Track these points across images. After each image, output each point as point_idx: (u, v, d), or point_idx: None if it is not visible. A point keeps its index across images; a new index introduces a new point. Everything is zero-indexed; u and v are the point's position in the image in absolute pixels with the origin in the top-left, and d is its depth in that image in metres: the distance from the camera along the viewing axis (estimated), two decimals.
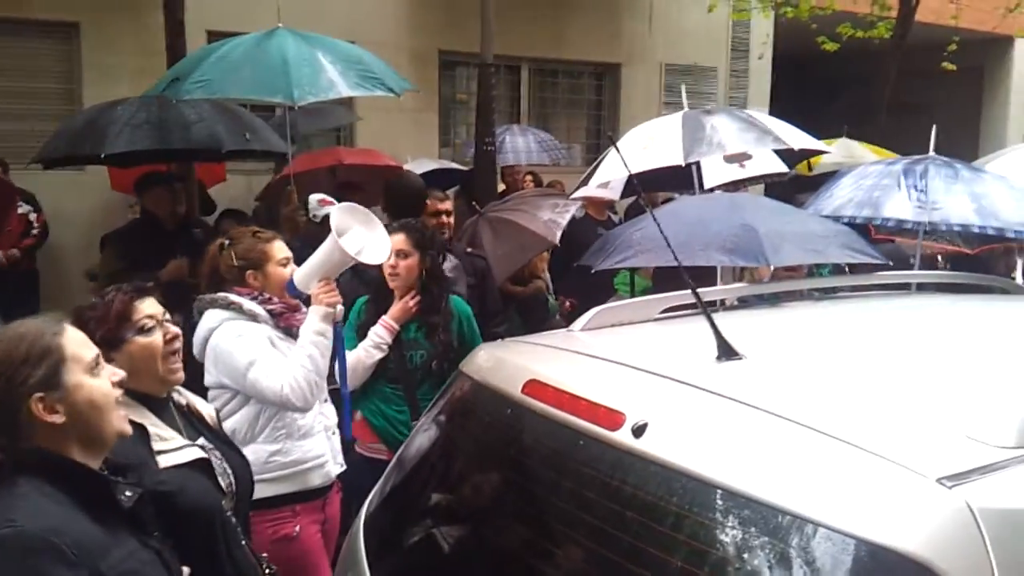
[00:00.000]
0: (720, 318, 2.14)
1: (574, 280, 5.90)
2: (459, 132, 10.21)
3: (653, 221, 3.93)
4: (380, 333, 3.62)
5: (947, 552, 1.32)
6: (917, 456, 1.46)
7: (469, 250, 5.18)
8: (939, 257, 5.84)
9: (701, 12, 10.18)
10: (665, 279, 4.32)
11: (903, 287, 3.32)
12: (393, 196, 4.82)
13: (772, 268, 4.29)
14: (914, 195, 4.21)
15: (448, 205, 5.09)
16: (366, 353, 3.60)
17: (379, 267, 3.62)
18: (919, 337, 2.39)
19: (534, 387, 1.96)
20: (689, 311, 2.54)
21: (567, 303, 6.08)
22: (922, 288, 3.39)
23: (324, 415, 3.13)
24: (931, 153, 4.72)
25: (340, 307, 3.02)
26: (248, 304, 3.00)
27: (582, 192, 5.29)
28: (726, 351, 1.98)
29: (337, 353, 3.12)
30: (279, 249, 3.13)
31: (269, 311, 3.03)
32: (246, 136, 5.40)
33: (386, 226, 3.89)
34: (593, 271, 4.29)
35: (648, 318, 2.60)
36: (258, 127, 5.86)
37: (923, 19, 9.60)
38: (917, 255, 4.71)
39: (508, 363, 2.21)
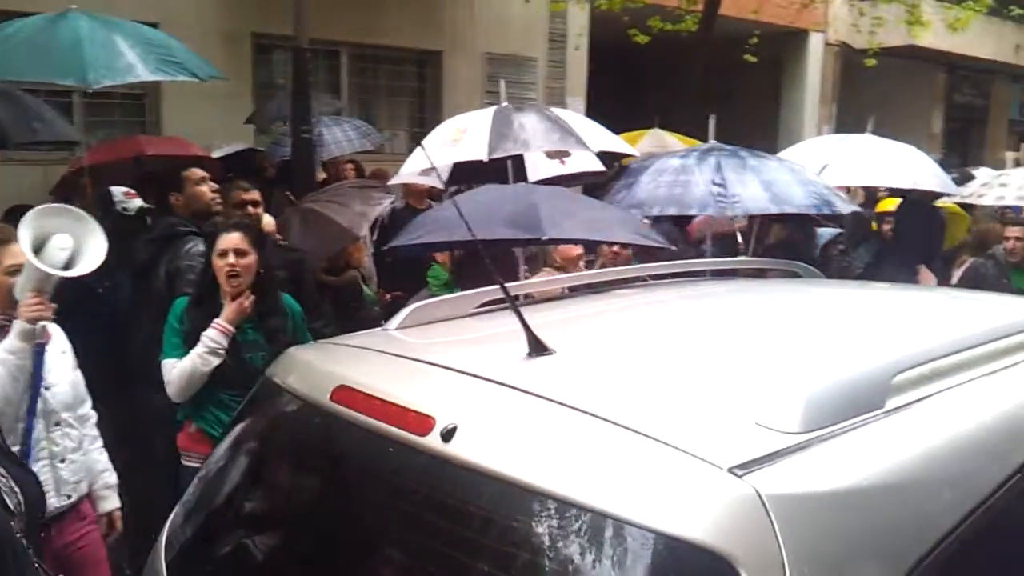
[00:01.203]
0: (532, 312, 2.15)
1: (399, 272, 5.87)
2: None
3: (449, 206, 3.99)
4: (214, 337, 3.42)
5: (739, 540, 1.38)
6: (709, 446, 1.52)
7: (282, 243, 5.06)
8: (738, 234, 6.11)
9: (520, 2, 10.30)
10: (468, 272, 4.41)
11: (701, 274, 3.46)
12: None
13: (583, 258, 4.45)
14: (715, 189, 4.41)
15: (254, 195, 4.91)
16: (201, 360, 3.40)
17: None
18: (716, 325, 2.50)
19: (343, 393, 1.91)
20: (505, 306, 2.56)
21: (387, 295, 6.03)
22: (720, 274, 3.55)
23: (52, 441, 2.91)
24: (711, 142, 4.97)
25: (42, 325, 2.77)
26: None
27: (401, 179, 5.30)
28: (536, 347, 2.00)
29: (34, 377, 2.85)
30: (9, 255, 2.84)
31: None
32: (34, 126, 4.99)
33: (219, 225, 3.70)
34: (385, 247, 4.36)
35: (464, 313, 2.59)
36: (47, 115, 5.44)
37: (727, 12, 10.10)
38: (708, 239, 4.96)
39: (316, 368, 2.14)
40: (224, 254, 3.47)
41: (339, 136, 8.07)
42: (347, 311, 5.43)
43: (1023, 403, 1.86)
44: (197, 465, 3.27)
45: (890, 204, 6.86)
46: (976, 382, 1.89)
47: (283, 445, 2.16)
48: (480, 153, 4.56)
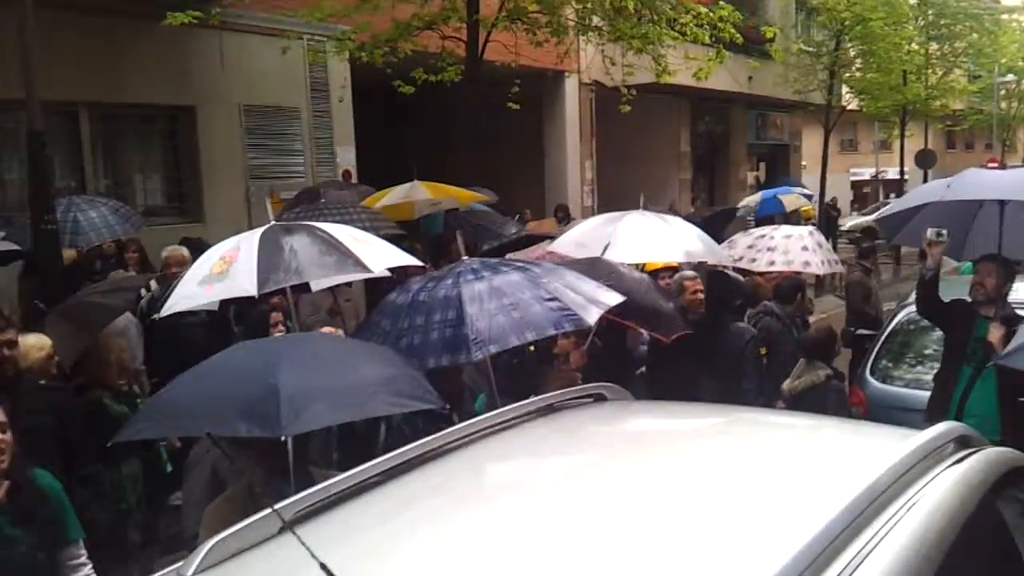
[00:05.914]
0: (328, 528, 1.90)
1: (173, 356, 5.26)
2: (10, 195, 8.73)
3: (186, 383, 3.38)
4: None
5: None
6: None
7: (43, 382, 4.41)
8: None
9: (275, 54, 9.83)
10: None
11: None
12: None
13: None
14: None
15: (11, 335, 4.19)
16: None
17: None
18: (526, 522, 2.20)
19: None
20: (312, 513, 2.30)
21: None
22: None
23: None
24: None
25: None
26: None
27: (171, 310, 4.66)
28: None
29: None
30: None
31: None
32: None
33: None
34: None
35: (268, 536, 2.29)
36: None
37: (489, 57, 10.16)
38: None
39: None
40: None
41: (96, 222, 7.34)
42: (96, 437, 4.72)
43: None
44: None
45: (658, 265, 7.17)
46: None
47: None
48: (249, 288, 4.11)
